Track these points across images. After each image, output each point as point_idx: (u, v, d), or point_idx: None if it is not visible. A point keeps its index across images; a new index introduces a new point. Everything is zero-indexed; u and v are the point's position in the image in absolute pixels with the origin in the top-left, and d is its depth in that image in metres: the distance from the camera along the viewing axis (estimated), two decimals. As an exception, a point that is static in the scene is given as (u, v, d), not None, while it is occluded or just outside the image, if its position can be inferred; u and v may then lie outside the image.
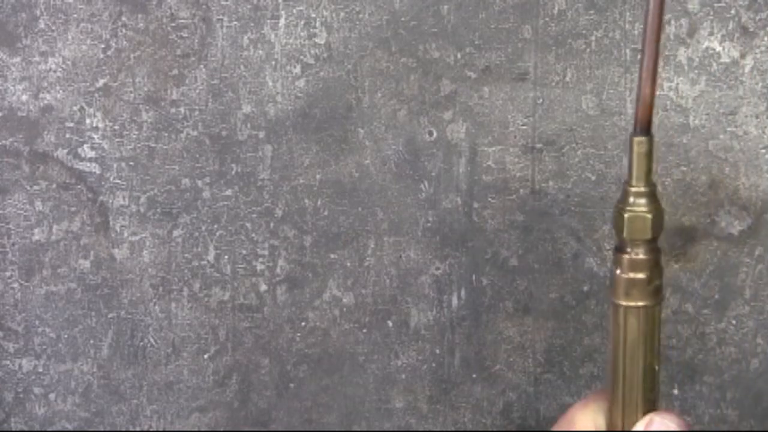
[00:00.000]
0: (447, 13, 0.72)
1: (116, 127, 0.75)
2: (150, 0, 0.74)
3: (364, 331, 0.76)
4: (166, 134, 0.75)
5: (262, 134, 0.74)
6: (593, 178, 0.72)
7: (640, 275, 0.48)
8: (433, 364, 0.76)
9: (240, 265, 0.76)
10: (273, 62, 0.74)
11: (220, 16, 0.73)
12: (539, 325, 0.74)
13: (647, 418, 0.49)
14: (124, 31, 0.74)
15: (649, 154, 0.48)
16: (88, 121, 0.75)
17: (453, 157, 0.73)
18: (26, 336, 0.79)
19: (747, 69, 0.70)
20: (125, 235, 0.77)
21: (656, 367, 0.49)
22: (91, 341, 0.78)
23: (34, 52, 0.75)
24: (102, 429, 0.79)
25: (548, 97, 0.72)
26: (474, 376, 0.76)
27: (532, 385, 0.75)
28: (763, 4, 0.69)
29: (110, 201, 0.76)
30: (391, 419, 0.77)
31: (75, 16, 0.74)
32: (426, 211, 0.74)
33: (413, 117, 0.73)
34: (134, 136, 0.75)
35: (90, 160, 0.76)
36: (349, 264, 0.75)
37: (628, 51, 0.71)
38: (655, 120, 0.70)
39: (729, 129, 0.71)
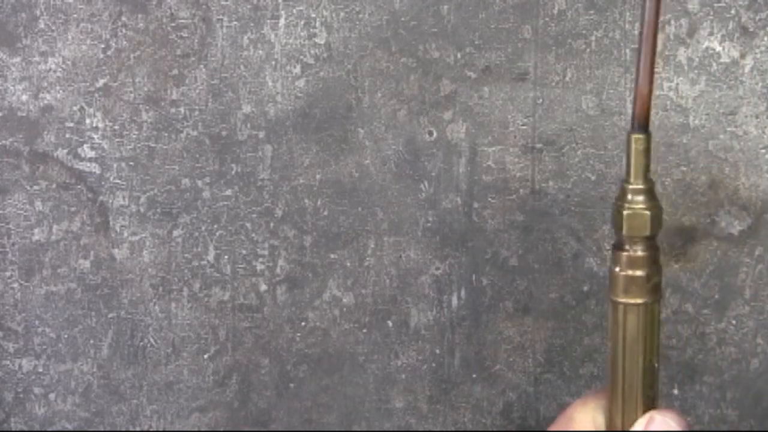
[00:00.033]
0: (447, 13, 0.72)
1: (116, 127, 0.75)
2: (150, 0, 0.74)
3: (364, 331, 0.76)
4: (166, 134, 0.75)
5: (262, 134, 0.75)
6: (593, 178, 0.72)
7: (639, 272, 0.48)
8: (433, 364, 0.76)
9: (240, 265, 0.76)
10: (273, 62, 0.74)
11: (220, 16, 0.74)
12: (539, 325, 0.74)
13: (648, 416, 0.49)
14: (124, 31, 0.74)
15: (647, 152, 0.48)
16: (88, 121, 0.76)
17: (453, 157, 0.73)
18: (26, 336, 0.79)
19: (747, 69, 0.70)
20: (125, 235, 0.77)
21: (656, 365, 0.49)
22: (91, 341, 0.78)
23: (34, 52, 0.75)
24: (102, 429, 0.79)
25: (548, 97, 0.72)
26: (474, 376, 0.75)
27: (532, 385, 0.75)
28: (763, 4, 0.69)
29: (110, 201, 0.76)
30: (391, 419, 0.77)
31: (75, 16, 0.74)
32: (426, 211, 0.74)
33: (413, 117, 0.73)
34: (134, 136, 0.75)
35: (90, 160, 0.76)
36: (349, 264, 0.75)
37: (628, 51, 0.71)
38: (655, 120, 0.71)
39: (729, 129, 0.71)
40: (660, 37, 0.69)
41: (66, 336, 0.78)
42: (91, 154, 0.76)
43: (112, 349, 0.78)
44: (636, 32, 0.70)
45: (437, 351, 0.76)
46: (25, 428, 0.79)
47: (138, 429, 0.79)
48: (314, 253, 0.75)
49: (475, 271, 0.74)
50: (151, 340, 0.78)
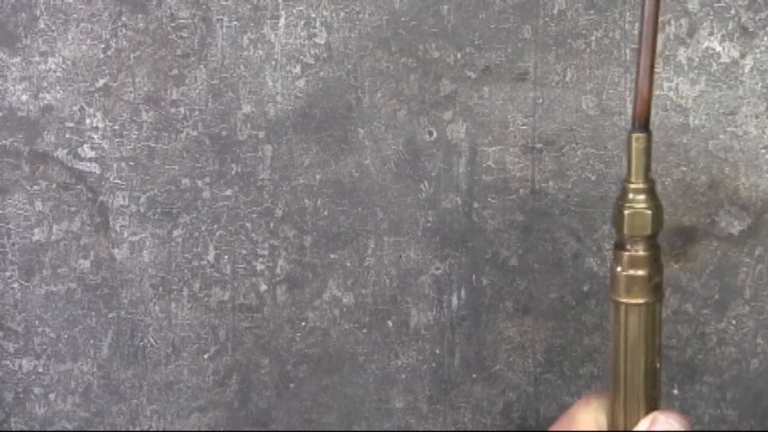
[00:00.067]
0: (447, 13, 0.72)
1: (116, 127, 0.75)
2: (150, 0, 0.74)
3: (364, 331, 0.76)
4: (166, 134, 0.75)
5: (262, 134, 0.75)
6: (593, 178, 0.72)
7: (641, 272, 0.48)
8: (433, 364, 0.76)
9: (240, 265, 0.76)
10: (273, 62, 0.74)
11: (220, 16, 0.73)
12: (539, 325, 0.74)
13: (651, 416, 0.49)
14: (124, 31, 0.74)
15: (648, 151, 0.48)
16: (88, 121, 0.76)
17: (453, 157, 0.73)
18: (26, 336, 0.78)
19: (747, 69, 0.70)
20: (125, 235, 0.77)
21: (657, 365, 0.49)
22: (91, 341, 0.78)
23: (34, 52, 0.75)
24: (102, 429, 0.79)
25: (548, 97, 0.72)
26: (474, 376, 0.75)
27: (532, 385, 0.75)
28: (763, 4, 0.69)
29: (110, 201, 0.76)
30: (391, 419, 0.77)
31: (75, 16, 0.74)
32: (426, 211, 0.74)
33: (413, 117, 0.73)
34: (134, 136, 0.75)
35: (90, 160, 0.76)
36: (349, 264, 0.75)
37: (628, 51, 0.71)
38: (655, 120, 0.71)
39: (729, 129, 0.71)
40: (660, 37, 0.69)
41: (66, 336, 0.78)
42: (91, 154, 0.76)
43: (112, 349, 0.78)
44: (636, 32, 0.70)
45: (437, 351, 0.76)
46: (25, 428, 0.79)
47: (138, 429, 0.79)
48: (314, 253, 0.75)
49: (475, 271, 0.74)
50: (151, 340, 0.78)
